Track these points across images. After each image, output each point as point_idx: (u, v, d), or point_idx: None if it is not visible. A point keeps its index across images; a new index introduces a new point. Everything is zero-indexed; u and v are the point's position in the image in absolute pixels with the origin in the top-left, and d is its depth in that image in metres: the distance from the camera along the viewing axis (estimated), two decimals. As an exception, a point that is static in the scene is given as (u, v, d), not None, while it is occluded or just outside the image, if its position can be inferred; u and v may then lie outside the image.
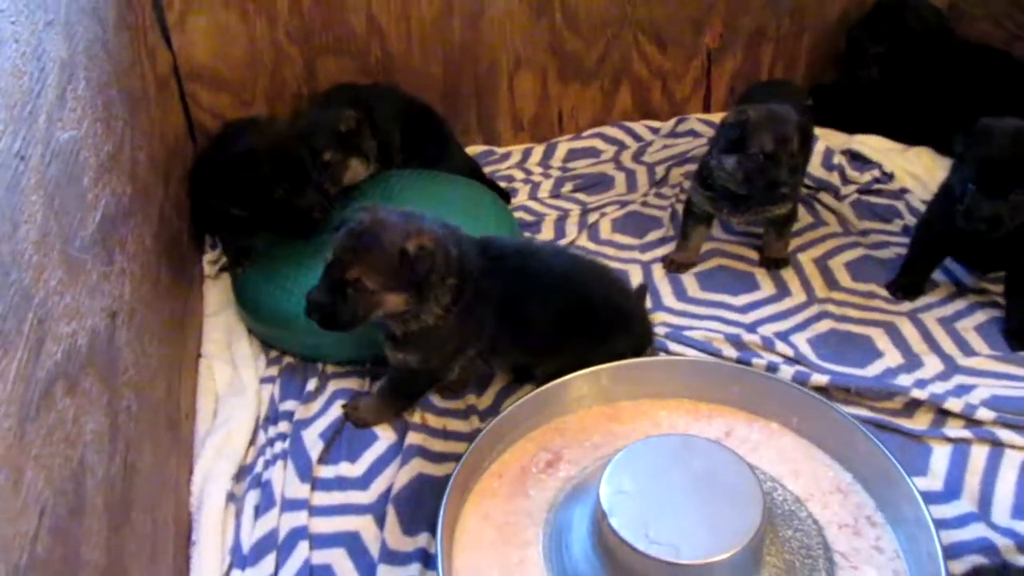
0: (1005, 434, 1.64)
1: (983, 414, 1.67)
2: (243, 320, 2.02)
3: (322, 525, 1.59)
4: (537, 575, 1.45)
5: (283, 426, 1.76)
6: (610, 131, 2.72)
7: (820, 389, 1.72)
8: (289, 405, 1.81)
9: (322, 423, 1.77)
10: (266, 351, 1.98)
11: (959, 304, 2.02)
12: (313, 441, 1.72)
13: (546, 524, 1.53)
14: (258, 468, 1.68)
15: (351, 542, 1.56)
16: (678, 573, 1.31)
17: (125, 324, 1.36)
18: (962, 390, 1.74)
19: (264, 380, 1.90)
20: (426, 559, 1.50)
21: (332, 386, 1.87)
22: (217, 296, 2.12)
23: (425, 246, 1.56)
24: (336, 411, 1.79)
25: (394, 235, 1.56)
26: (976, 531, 1.49)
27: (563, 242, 2.28)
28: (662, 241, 2.28)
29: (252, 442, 1.75)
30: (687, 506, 1.37)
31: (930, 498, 1.54)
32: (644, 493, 1.39)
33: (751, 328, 1.95)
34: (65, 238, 1.16)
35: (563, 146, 2.68)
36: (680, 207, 2.26)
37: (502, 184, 2.51)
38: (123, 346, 1.33)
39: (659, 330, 1.94)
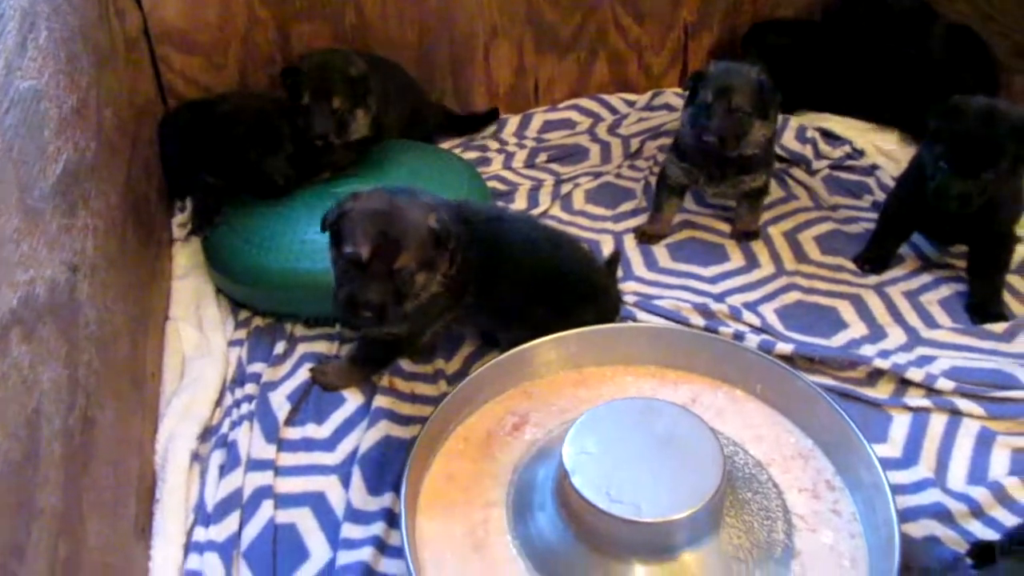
0: (963, 403, 1.67)
1: (943, 384, 1.69)
2: (212, 279, 2.01)
3: (287, 485, 1.59)
4: (501, 535, 1.46)
5: (250, 388, 1.76)
6: (586, 103, 2.72)
7: (785, 358, 1.74)
8: (257, 367, 1.81)
9: (289, 385, 1.77)
10: (234, 314, 1.97)
11: (924, 278, 2.04)
12: (280, 403, 1.72)
13: (511, 485, 1.54)
14: (224, 429, 1.67)
15: (316, 502, 1.56)
16: (638, 531, 1.32)
17: (87, 279, 1.35)
18: (924, 361, 1.77)
19: (232, 343, 1.89)
20: (391, 519, 1.51)
21: (301, 349, 1.87)
22: (186, 259, 2.10)
23: (443, 219, 1.56)
24: (304, 374, 1.79)
25: (417, 215, 1.55)
26: (932, 496, 1.51)
27: (536, 212, 2.28)
28: (635, 212, 2.29)
29: (218, 403, 1.75)
30: (649, 467, 1.38)
31: (888, 464, 1.57)
32: (607, 454, 1.40)
33: (719, 298, 1.97)
34: (23, 187, 1.14)
35: (539, 117, 2.68)
36: (653, 180, 2.27)
37: (476, 155, 2.50)
38: (84, 300, 1.32)
39: (628, 299, 1.95)
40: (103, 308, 1.41)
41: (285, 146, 2.03)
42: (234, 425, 1.67)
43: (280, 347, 1.86)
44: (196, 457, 1.62)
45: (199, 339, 1.89)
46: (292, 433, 1.69)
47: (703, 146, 1.97)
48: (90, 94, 1.62)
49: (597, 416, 1.46)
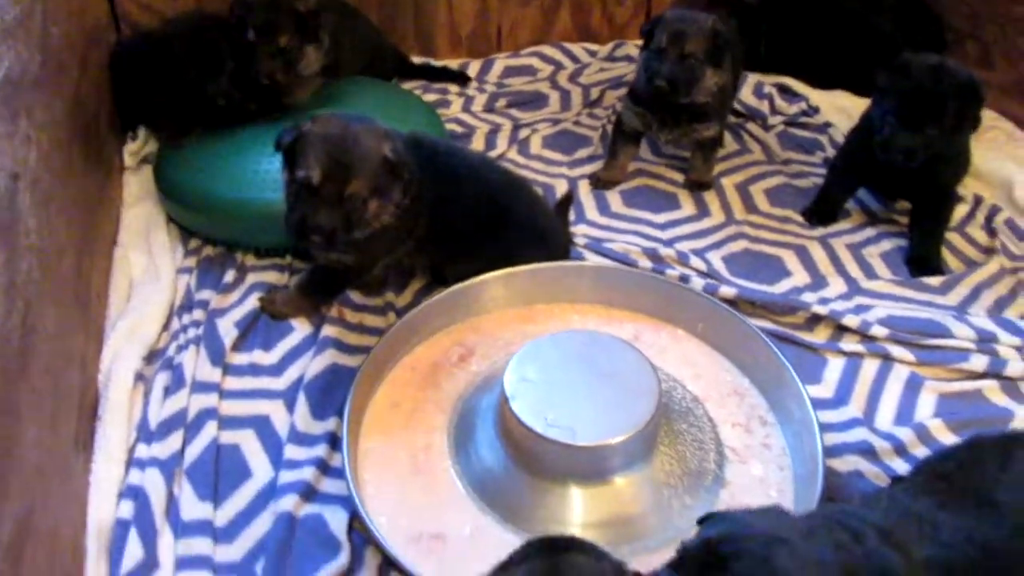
0: (896, 350, 1.73)
1: (877, 331, 1.75)
2: (164, 207, 2.00)
3: (232, 408, 1.60)
4: (442, 459, 1.50)
5: (198, 314, 1.75)
6: (548, 51, 2.72)
7: (728, 301, 1.78)
8: (205, 294, 1.80)
9: (238, 313, 1.77)
10: (184, 242, 1.96)
11: (868, 232, 2.09)
12: (228, 329, 1.73)
13: (453, 412, 1.57)
14: (170, 352, 1.67)
15: (260, 424, 1.58)
16: (573, 454, 1.36)
17: (28, 189, 1.34)
18: (861, 309, 1.82)
19: (181, 270, 1.88)
20: (334, 441, 1.53)
21: (250, 279, 1.87)
22: (136, 187, 2.08)
23: (398, 148, 1.55)
24: (253, 302, 1.79)
25: (371, 142, 1.54)
26: (859, 435, 1.57)
27: (492, 154, 2.28)
28: (590, 159, 2.31)
29: (165, 328, 1.75)
30: (586, 395, 1.42)
31: (820, 404, 1.62)
32: (546, 382, 1.43)
33: (668, 244, 2.00)
34: (-39, 88, 1.12)
35: (500, 63, 2.67)
36: (611, 128, 2.28)
37: (435, 97, 2.50)
38: (25, 210, 1.31)
39: (579, 241, 1.98)
40: (45, 222, 1.40)
41: (226, 67, 1.98)
42: (180, 349, 1.68)
43: (230, 276, 1.86)
44: (140, 378, 1.62)
45: (147, 265, 1.87)
46: (239, 359, 1.69)
47: (655, 91, 1.98)
48: (36, 7, 1.58)
49: (540, 346, 1.50)
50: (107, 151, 2.04)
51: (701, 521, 1.05)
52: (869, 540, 1.00)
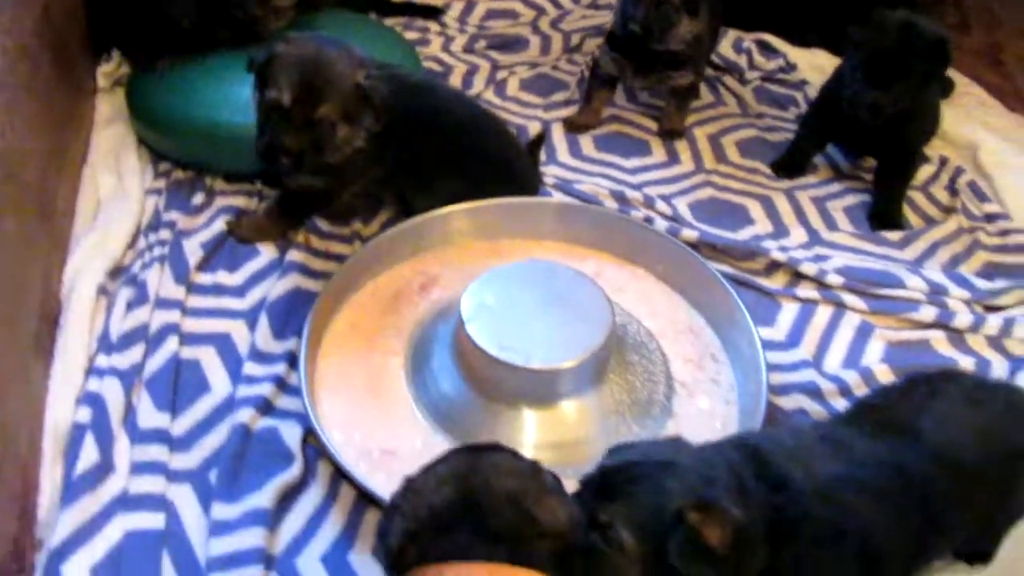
0: (849, 298, 1.77)
1: (833, 279, 1.78)
2: (135, 129, 1.99)
3: (194, 325, 1.62)
4: (398, 381, 1.53)
5: (164, 234, 1.76)
6: (531, -5, 2.71)
7: (690, 244, 1.81)
8: (173, 215, 1.81)
9: (204, 235, 1.78)
10: (154, 165, 1.97)
11: (834, 187, 2.12)
12: (193, 249, 1.74)
13: (412, 337, 1.60)
14: (135, 269, 1.69)
15: (221, 342, 1.60)
16: (524, 377, 1.40)
17: (-8, 92, 1.34)
18: (819, 259, 1.85)
19: (150, 192, 1.89)
20: (293, 361, 1.55)
21: (219, 203, 1.88)
22: (109, 109, 2.07)
23: (371, 75, 1.56)
24: (220, 225, 1.80)
25: (344, 67, 1.54)
26: (806, 376, 1.61)
27: (468, 94, 2.28)
28: (566, 103, 2.31)
29: (131, 247, 1.76)
30: (541, 321, 1.45)
31: (772, 346, 1.66)
32: (503, 307, 1.46)
33: (636, 188, 2.02)
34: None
35: (483, 5, 2.66)
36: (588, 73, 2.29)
37: (416, 35, 2.49)
38: (-12, 112, 1.31)
39: (548, 180, 2.00)
40: (9, 128, 1.40)
41: None
42: (145, 266, 1.69)
43: (198, 198, 1.87)
44: (103, 292, 1.63)
45: (116, 185, 1.88)
46: (203, 279, 1.71)
47: (630, 35, 1.99)
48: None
49: (499, 274, 1.52)
50: (79, 72, 2.03)
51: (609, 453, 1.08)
52: (767, 457, 1.04)
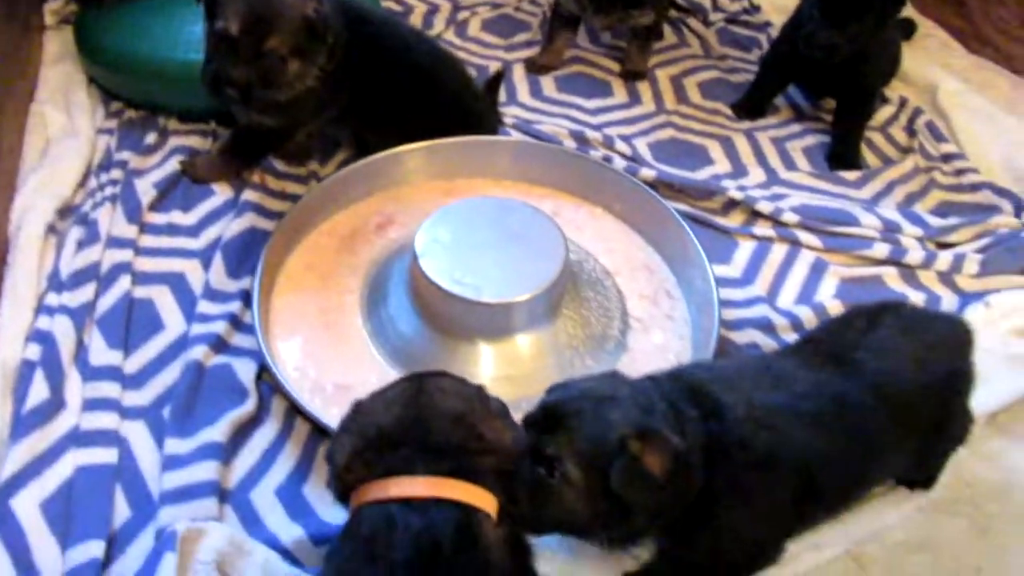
0: (804, 236, 1.78)
1: (789, 217, 1.80)
2: (84, 68, 1.95)
3: (147, 264, 1.60)
4: (353, 318, 1.53)
5: (116, 173, 1.74)
6: (494, -65, 2.66)
7: (648, 183, 1.80)
8: (125, 155, 1.78)
9: (157, 174, 1.76)
10: (106, 104, 1.92)
11: (793, 128, 2.13)
12: (146, 188, 1.72)
13: (368, 276, 1.60)
14: (85, 208, 1.66)
15: (175, 281, 1.59)
16: (477, 311, 1.40)
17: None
18: (776, 197, 1.86)
19: (101, 131, 1.85)
20: (247, 299, 1.55)
21: (172, 142, 1.85)
22: (57, 47, 2.03)
23: (320, 8, 1.52)
24: (173, 165, 1.78)
25: (295, 0, 1.51)
26: (760, 311, 1.63)
27: (428, 34, 2.25)
28: (528, 44, 2.29)
29: (82, 186, 1.73)
30: (495, 256, 1.45)
31: (727, 283, 1.68)
32: (457, 243, 1.46)
33: (597, 128, 2.01)
34: None
35: (444, -55, 2.61)
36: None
37: (376, -26, 2.44)
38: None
39: (508, 121, 1.98)
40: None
41: None
42: (96, 206, 1.66)
43: (151, 138, 1.84)
44: (53, 231, 1.61)
45: (65, 124, 1.84)
46: (156, 218, 1.69)
47: None
48: None
49: (453, 210, 1.52)
50: (24, 8, 1.97)
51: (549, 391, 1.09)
52: (704, 387, 1.06)
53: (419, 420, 0.96)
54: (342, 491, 0.95)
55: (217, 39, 1.50)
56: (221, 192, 1.75)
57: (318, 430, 1.37)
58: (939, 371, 1.17)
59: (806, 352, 1.19)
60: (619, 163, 1.87)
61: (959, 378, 1.21)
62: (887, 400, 1.12)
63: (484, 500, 0.91)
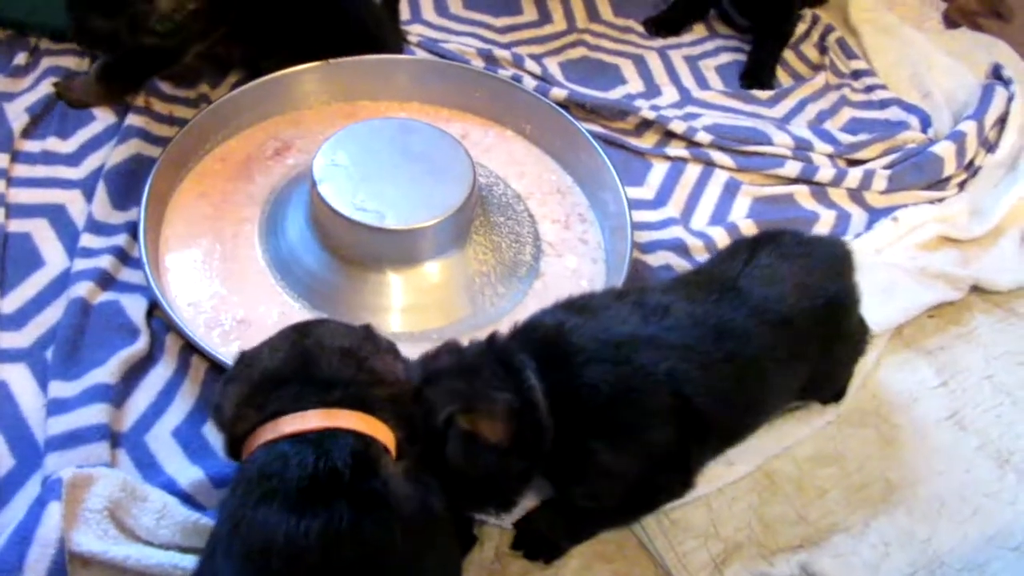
0: (717, 156, 1.76)
1: (702, 137, 1.77)
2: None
3: (22, 196, 1.48)
4: (250, 248, 1.45)
5: (-17, 98, 1.59)
6: None
7: (559, 103, 1.75)
8: (-8, 78, 1.63)
9: (30, 98, 1.61)
10: (-32, 23, 1.75)
11: (707, 46, 2.09)
12: (17, 114, 1.58)
13: (266, 204, 1.51)
14: (-52, 136, 1.52)
15: (54, 213, 1.47)
16: (381, 239, 1.34)
17: None
18: (690, 117, 1.83)
19: (-36, 53, 1.69)
20: (134, 231, 1.44)
21: (45, 63, 1.69)
22: (-92, -42, 1.82)
23: None
24: (47, 88, 1.63)
25: None
26: (673, 232, 1.61)
27: (327, -53, 2.11)
28: (434, -42, 2.17)
29: (-56, 112, 1.58)
30: (398, 180, 1.38)
31: (640, 205, 1.65)
32: (357, 167, 1.38)
33: (505, 47, 1.93)
34: None
35: None
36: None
37: None
38: None
39: (412, 40, 1.89)
40: None
41: None
42: (-39, 133, 1.52)
43: (21, 58, 1.68)
44: (-88, 161, 1.47)
45: (-78, 44, 1.67)
46: (30, 146, 1.55)
47: None
48: None
49: (352, 132, 1.44)
50: None
51: None
52: (557, 335, 1.02)
53: (306, 358, 0.91)
54: (232, 443, 0.90)
55: None
56: (102, 117, 1.62)
57: (216, 368, 1.30)
58: (821, 293, 1.15)
59: (689, 284, 1.16)
60: (529, 83, 1.80)
61: (843, 297, 1.19)
62: (769, 325, 1.10)
63: (380, 431, 0.87)
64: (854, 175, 1.75)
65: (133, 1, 1.38)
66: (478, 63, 1.85)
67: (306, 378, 0.89)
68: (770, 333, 1.09)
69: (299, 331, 0.96)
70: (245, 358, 0.96)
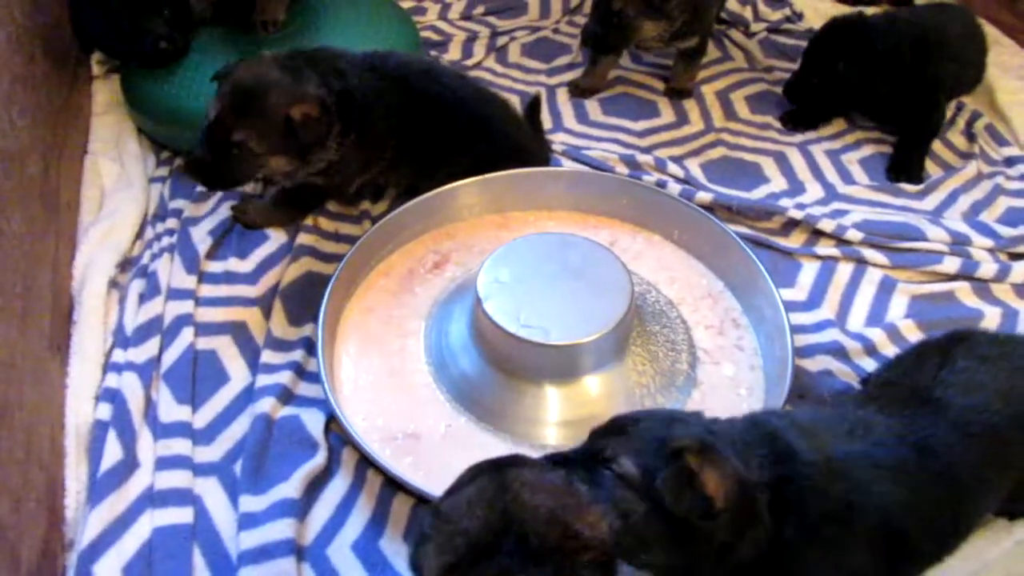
0: (870, 253, 1.73)
1: (852, 235, 1.75)
2: (133, 119, 1.96)
3: (208, 315, 1.60)
4: (417, 362, 1.51)
5: (171, 223, 1.74)
6: (528, -43, 2.63)
7: (704, 206, 1.77)
8: (179, 203, 1.78)
9: (211, 221, 1.76)
10: (156, 152, 1.93)
11: (848, 139, 2.08)
12: (202, 237, 1.72)
13: (428, 317, 1.58)
14: (144, 260, 1.67)
15: (237, 331, 1.58)
16: (546, 354, 1.37)
17: (-12, 89, 1.31)
18: (837, 214, 1.82)
19: (154, 180, 1.86)
20: (309, 347, 1.54)
21: (223, 188, 1.85)
22: (106, 96, 2.04)
23: (310, 114, 1.52)
24: (226, 211, 1.78)
25: (279, 98, 1.52)
26: (831, 335, 1.59)
27: (469, 63, 2.24)
28: (570, 67, 2.26)
29: (139, 237, 1.73)
30: (560, 295, 1.42)
31: (794, 307, 1.64)
32: (520, 283, 1.44)
33: (646, 151, 1.98)
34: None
35: (479, -31, 2.59)
36: (591, 35, 2.23)
37: (411, 4, 2.43)
38: (-15, 110, 1.28)
39: (556, 148, 1.96)
40: (7, 121, 1.37)
41: (162, 9, 1.90)
42: (154, 257, 1.67)
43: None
44: (115, 285, 1.61)
45: (119, 173, 1.85)
46: (213, 267, 1.69)
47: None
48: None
49: (513, 249, 1.49)
50: (73, 58, 1.99)
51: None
52: (777, 432, 1.02)
53: (509, 522, 0.89)
54: None
55: (205, 121, 1.52)
56: (275, 237, 1.74)
57: (391, 482, 1.35)
58: None
59: (884, 396, 1.14)
60: (673, 187, 1.84)
61: None
62: (974, 438, 1.07)
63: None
64: (1019, 269, 1.69)
65: (241, 147, 1.52)
66: (622, 169, 1.90)
67: (514, 549, 0.87)
68: (975, 447, 1.05)
69: (495, 482, 0.93)
70: (441, 514, 0.93)
